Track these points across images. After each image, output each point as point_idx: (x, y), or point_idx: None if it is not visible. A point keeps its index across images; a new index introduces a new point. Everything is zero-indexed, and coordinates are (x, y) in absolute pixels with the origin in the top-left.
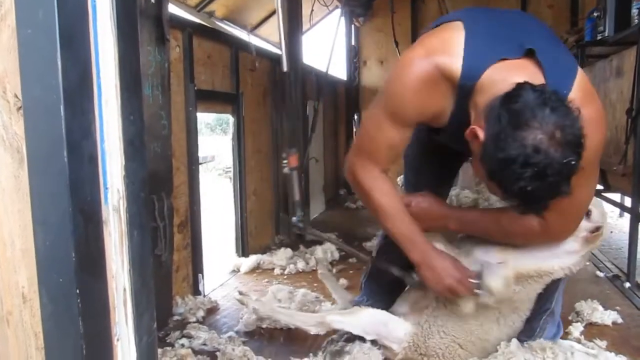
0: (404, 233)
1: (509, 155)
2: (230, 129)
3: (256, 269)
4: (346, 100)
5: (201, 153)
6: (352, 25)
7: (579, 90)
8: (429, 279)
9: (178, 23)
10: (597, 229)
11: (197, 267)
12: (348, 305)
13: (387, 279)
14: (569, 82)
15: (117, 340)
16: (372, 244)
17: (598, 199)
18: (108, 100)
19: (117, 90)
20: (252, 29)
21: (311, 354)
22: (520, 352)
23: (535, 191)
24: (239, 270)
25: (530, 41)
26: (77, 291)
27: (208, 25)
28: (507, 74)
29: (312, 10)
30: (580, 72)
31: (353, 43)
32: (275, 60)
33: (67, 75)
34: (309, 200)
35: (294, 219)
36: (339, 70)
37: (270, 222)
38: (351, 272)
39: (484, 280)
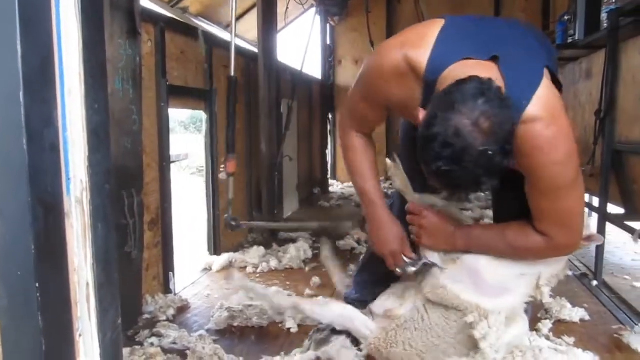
0: (366, 190)
1: (431, 132)
2: (203, 126)
3: (228, 268)
4: (321, 99)
5: (174, 151)
6: (328, 25)
7: (541, 103)
8: (372, 238)
9: (150, 17)
10: (589, 237)
11: (167, 265)
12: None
13: (376, 273)
14: (529, 93)
15: (80, 336)
16: (346, 243)
17: None
18: (71, 89)
19: (80, 79)
20: (227, 26)
21: (283, 353)
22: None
23: (452, 174)
24: (210, 269)
25: (501, 48)
26: (37, 285)
27: (181, 20)
28: (468, 71)
29: (287, 8)
30: (545, 86)
31: (328, 42)
32: (249, 57)
33: (27, 60)
34: (282, 199)
35: (226, 216)
36: (314, 69)
37: (243, 220)
38: (324, 270)
39: (417, 272)
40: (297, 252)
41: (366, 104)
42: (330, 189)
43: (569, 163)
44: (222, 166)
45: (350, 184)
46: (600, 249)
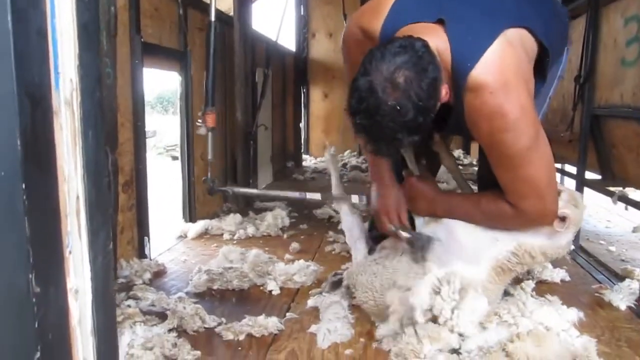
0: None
1: (351, 88)
2: (178, 89)
3: (204, 235)
4: (295, 72)
5: None
6: None
7: (487, 67)
8: (372, 197)
9: None
10: (563, 218)
11: (142, 229)
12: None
13: None
14: (475, 56)
15: (70, 253)
16: (323, 211)
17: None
18: None
19: None
20: None
21: (264, 314)
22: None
23: (368, 128)
24: (186, 236)
25: (452, 10)
26: (23, 186)
27: None
28: (412, 34)
29: None
30: (498, 48)
31: (302, 13)
32: (224, 23)
33: None
34: (257, 169)
35: (205, 178)
36: (288, 42)
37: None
38: (302, 237)
39: (408, 235)
40: (274, 219)
41: (349, 72)
42: (304, 163)
43: (521, 130)
44: (200, 120)
45: (324, 158)
46: None
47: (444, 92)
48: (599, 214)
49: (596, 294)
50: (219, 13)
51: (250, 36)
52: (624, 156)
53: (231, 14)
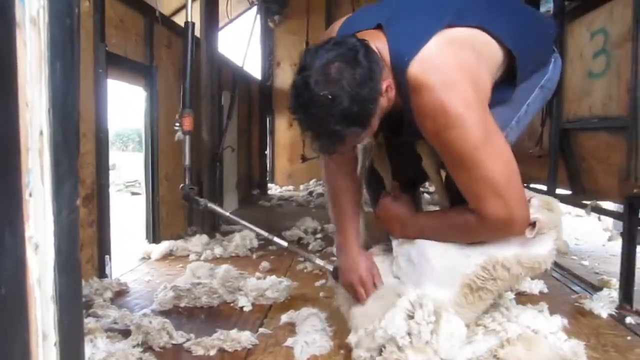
0: (335, 218)
1: (290, 87)
2: (143, 104)
3: (169, 256)
4: (260, 100)
5: None
6: (268, 25)
7: (423, 65)
8: (341, 268)
9: None
10: (534, 224)
11: (103, 247)
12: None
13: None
14: (413, 50)
15: (30, 195)
16: (292, 233)
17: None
18: None
19: None
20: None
21: (236, 329)
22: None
23: (308, 124)
24: (149, 258)
25: (396, 15)
26: None
27: None
28: None
29: (229, 4)
30: (435, 44)
31: (268, 42)
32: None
33: None
34: (223, 192)
35: (182, 185)
36: (254, 69)
37: (182, 212)
38: (272, 257)
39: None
40: (242, 240)
41: None
42: (269, 191)
43: (468, 127)
44: (177, 124)
45: (289, 187)
46: None
47: (385, 85)
48: (567, 232)
49: (576, 304)
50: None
51: (216, 58)
52: (594, 168)
53: (198, 34)
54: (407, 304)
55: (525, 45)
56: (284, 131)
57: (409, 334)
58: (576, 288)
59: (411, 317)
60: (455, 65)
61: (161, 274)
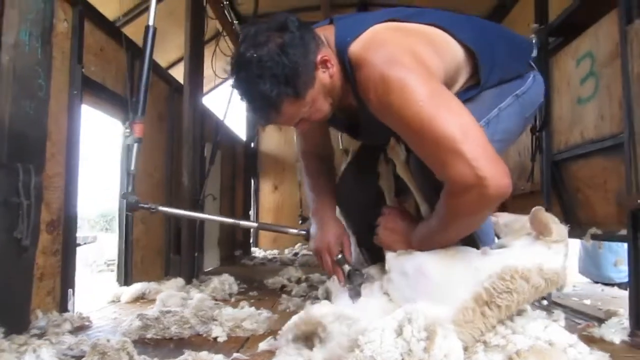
0: (317, 187)
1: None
2: (120, 139)
3: (140, 299)
4: (245, 161)
5: (81, 233)
6: None
7: (362, 43)
8: (312, 232)
9: None
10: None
11: (67, 280)
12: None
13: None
14: (354, 34)
15: None
16: (275, 281)
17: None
18: None
19: None
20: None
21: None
22: None
23: (243, 91)
24: (119, 300)
25: (349, 16)
26: None
27: (104, 15)
28: None
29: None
30: (375, 31)
31: None
32: (174, 87)
33: None
34: (203, 244)
35: (123, 193)
36: (239, 131)
37: (159, 260)
38: (252, 301)
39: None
40: (221, 284)
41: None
42: (253, 254)
43: (410, 86)
44: (128, 130)
45: (274, 251)
46: None
47: (321, 56)
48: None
49: (584, 333)
50: (173, 81)
51: (200, 106)
52: (590, 198)
53: (182, 81)
54: (394, 322)
55: (491, 51)
56: (269, 194)
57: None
58: (581, 321)
59: (399, 334)
60: (398, 45)
61: (130, 312)
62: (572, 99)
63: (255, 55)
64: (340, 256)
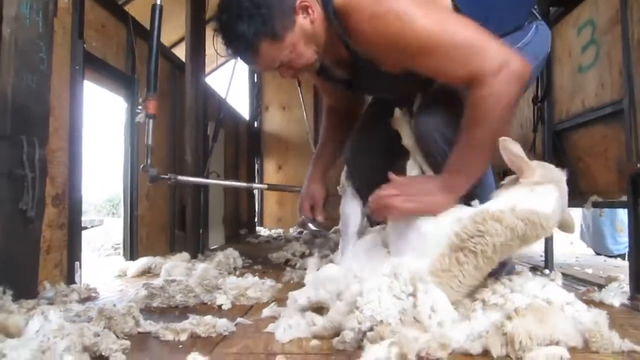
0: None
1: None
2: (123, 116)
3: (147, 273)
4: (248, 141)
5: (88, 216)
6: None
7: None
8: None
9: None
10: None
11: (73, 253)
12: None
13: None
14: None
15: None
16: (279, 255)
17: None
18: None
19: None
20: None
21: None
22: None
23: (220, 32)
24: (125, 275)
25: None
26: None
27: None
28: None
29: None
30: None
31: (256, 81)
32: (175, 65)
33: None
34: (208, 222)
35: (143, 165)
36: (242, 110)
37: (163, 236)
38: (257, 274)
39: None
40: (226, 258)
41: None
42: (258, 232)
43: (408, 10)
44: (140, 107)
45: (279, 230)
46: (549, 244)
47: (300, 1)
48: (565, 248)
49: (584, 297)
50: (168, 53)
51: (202, 84)
52: (591, 167)
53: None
54: (384, 279)
55: (485, 2)
56: (273, 174)
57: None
58: (582, 287)
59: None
60: None
61: (136, 285)
62: (574, 68)
63: None
64: (303, 217)
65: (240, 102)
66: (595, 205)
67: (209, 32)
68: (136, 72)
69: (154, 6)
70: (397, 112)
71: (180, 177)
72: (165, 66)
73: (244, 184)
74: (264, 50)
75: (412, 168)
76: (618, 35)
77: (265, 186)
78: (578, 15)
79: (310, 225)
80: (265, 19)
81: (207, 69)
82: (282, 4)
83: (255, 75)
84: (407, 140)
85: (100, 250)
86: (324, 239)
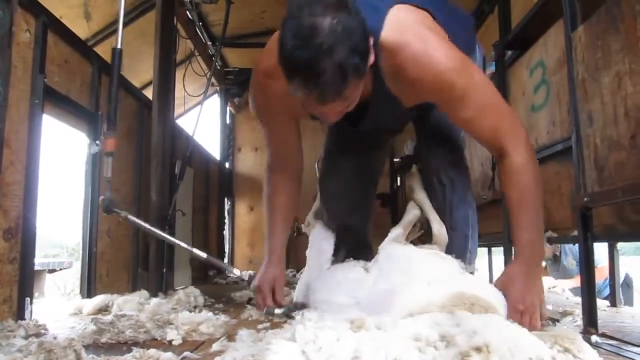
0: (267, 231)
1: (281, 37)
2: (85, 152)
3: (103, 311)
4: (219, 181)
5: (59, 259)
6: (228, 108)
7: (394, 25)
8: (258, 272)
9: (32, 4)
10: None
11: (24, 289)
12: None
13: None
14: (380, 20)
15: None
16: (242, 294)
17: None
18: None
19: None
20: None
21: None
22: None
23: (310, 62)
24: (81, 312)
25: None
26: None
27: (69, 28)
28: None
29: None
30: (397, 10)
31: (227, 122)
32: (144, 103)
33: None
34: (173, 262)
35: (102, 197)
36: (214, 151)
37: (125, 274)
38: (216, 312)
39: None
40: (186, 296)
41: (268, 126)
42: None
43: (457, 65)
44: (97, 142)
45: (249, 271)
46: None
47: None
48: None
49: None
50: (135, 91)
51: (170, 123)
52: (546, 203)
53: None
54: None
55: (453, 29)
56: (245, 215)
57: None
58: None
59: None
60: (418, 22)
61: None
62: (527, 107)
63: (333, 19)
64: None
65: (212, 143)
66: (550, 241)
67: (179, 74)
68: (100, 109)
69: (113, 49)
70: (414, 168)
71: (130, 217)
72: (133, 105)
73: (183, 244)
74: (351, 86)
75: (412, 208)
76: (565, 75)
77: (204, 256)
78: (530, 57)
79: (277, 311)
80: (363, 53)
81: (178, 110)
82: (367, 43)
83: (228, 116)
84: (419, 194)
85: (70, 295)
86: (298, 307)
